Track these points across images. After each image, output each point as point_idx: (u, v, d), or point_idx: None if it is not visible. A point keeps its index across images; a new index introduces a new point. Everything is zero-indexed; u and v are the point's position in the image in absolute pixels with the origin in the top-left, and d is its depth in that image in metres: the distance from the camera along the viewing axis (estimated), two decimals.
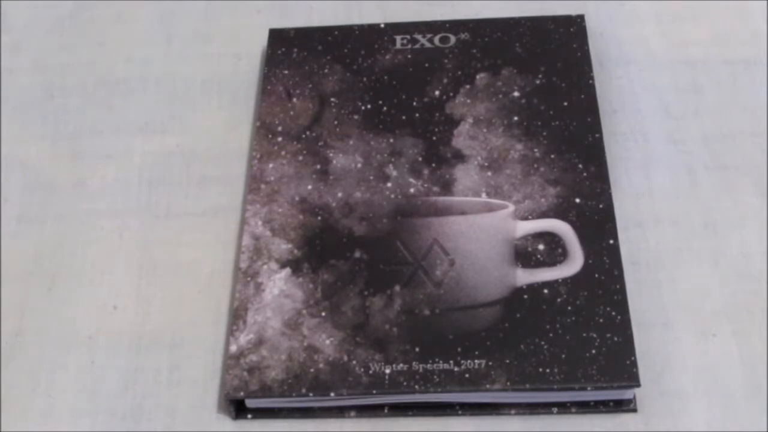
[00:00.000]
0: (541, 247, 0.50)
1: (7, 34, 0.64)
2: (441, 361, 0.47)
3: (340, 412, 0.48)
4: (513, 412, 0.47)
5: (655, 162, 0.55)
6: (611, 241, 0.50)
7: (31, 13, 0.65)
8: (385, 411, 0.48)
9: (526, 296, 0.48)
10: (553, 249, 0.50)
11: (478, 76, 0.57)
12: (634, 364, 0.46)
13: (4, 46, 0.63)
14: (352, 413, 0.48)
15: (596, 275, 0.49)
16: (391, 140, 0.54)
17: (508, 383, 0.46)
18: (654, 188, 0.54)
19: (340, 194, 0.53)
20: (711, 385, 0.48)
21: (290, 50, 0.59)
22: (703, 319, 0.50)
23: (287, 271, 0.50)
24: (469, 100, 0.56)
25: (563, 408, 0.47)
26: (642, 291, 0.50)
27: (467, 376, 0.46)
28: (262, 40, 0.61)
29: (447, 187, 0.52)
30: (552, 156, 0.53)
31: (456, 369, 0.46)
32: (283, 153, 0.54)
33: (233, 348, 0.48)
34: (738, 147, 0.56)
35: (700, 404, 0.47)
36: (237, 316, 0.49)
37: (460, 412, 0.48)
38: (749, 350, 0.49)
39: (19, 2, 0.66)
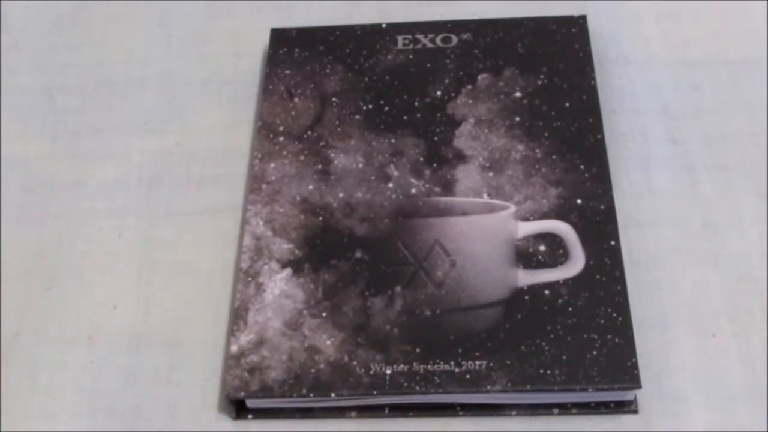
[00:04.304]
0: (542, 248, 0.50)
1: (7, 34, 0.64)
2: (442, 362, 0.47)
3: (340, 412, 0.48)
4: (514, 412, 0.47)
5: (655, 162, 0.55)
6: (612, 243, 0.50)
7: (31, 13, 0.65)
8: (386, 411, 0.48)
9: (527, 297, 0.48)
10: (555, 250, 0.50)
11: (479, 77, 0.56)
12: (635, 365, 0.46)
13: (4, 46, 0.63)
14: (353, 414, 0.48)
15: (597, 276, 0.49)
16: (393, 140, 0.54)
17: (509, 384, 0.46)
18: (654, 188, 0.54)
19: (341, 194, 0.53)
20: (711, 385, 0.48)
21: (292, 50, 0.59)
22: (703, 320, 0.50)
23: (288, 271, 0.50)
24: (470, 101, 0.56)
25: (564, 409, 0.47)
26: (642, 291, 0.50)
27: (468, 377, 0.46)
28: (261, 40, 0.60)
29: (448, 188, 0.52)
30: (553, 157, 0.53)
31: (457, 370, 0.46)
32: (284, 153, 0.54)
33: (234, 348, 0.48)
34: (738, 147, 0.55)
35: (701, 405, 0.47)
36: (238, 316, 0.49)
37: (460, 412, 0.48)
38: (749, 350, 0.49)
39: (19, 2, 0.66)
